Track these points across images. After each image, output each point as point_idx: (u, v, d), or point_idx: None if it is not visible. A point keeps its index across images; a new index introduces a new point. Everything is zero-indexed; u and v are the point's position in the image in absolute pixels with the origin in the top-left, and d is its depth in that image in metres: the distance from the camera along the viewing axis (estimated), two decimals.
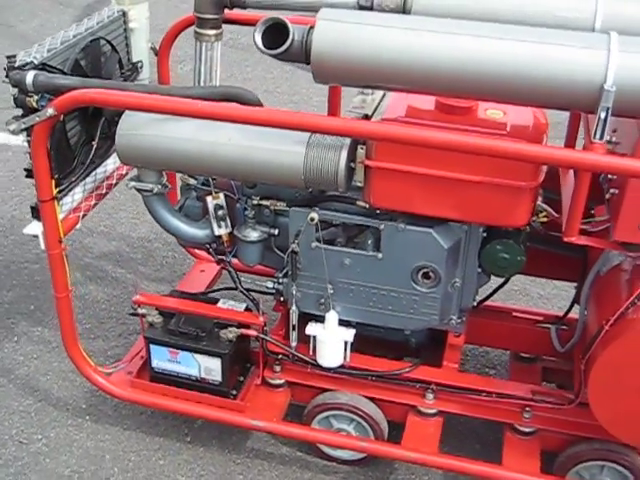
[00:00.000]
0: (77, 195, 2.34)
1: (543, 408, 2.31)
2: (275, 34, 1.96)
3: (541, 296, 3.20)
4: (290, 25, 1.93)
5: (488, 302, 2.70)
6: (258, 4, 2.31)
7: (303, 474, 2.46)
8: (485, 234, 2.19)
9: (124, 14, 2.46)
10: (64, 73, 2.15)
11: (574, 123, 2.43)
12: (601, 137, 1.80)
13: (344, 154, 2.05)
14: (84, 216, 2.31)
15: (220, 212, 2.33)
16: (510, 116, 2.07)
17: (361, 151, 2.05)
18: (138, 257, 3.34)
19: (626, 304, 2.04)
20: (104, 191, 2.42)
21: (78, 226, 2.31)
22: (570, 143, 2.46)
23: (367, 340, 2.46)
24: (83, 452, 2.49)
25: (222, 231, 2.34)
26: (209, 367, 2.36)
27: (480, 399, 2.34)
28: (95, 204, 2.38)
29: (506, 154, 1.81)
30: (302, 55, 1.95)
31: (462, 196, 2.03)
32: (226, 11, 2.34)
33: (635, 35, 1.88)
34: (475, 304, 2.58)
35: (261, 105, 2.15)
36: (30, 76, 2.03)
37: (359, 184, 2.11)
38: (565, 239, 2.01)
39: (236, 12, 2.36)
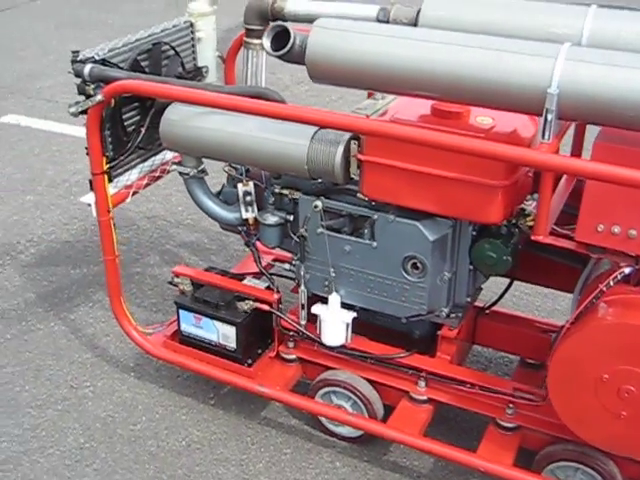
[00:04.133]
0: (133, 175, 2.74)
1: (525, 406, 2.42)
2: (281, 39, 2.27)
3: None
4: (292, 31, 2.23)
5: (505, 309, 2.86)
6: (295, 17, 2.62)
7: (304, 444, 2.69)
8: (475, 232, 2.37)
9: (191, 24, 2.86)
10: (122, 69, 2.56)
11: (579, 133, 2.54)
12: (547, 137, 1.97)
13: (341, 148, 2.30)
14: (134, 193, 2.70)
15: (248, 198, 2.63)
16: (497, 123, 2.25)
17: (354, 146, 2.30)
18: (213, 248, 3.73)
19: (584, 303, 2.15)
20: (157, 174, 2.80)
21: (128, 200, 2.70)
22: (576, 152, 2.56)
23: (378, 330, 2.69)
24: (121, 401, 2.86)
25: (248, 215, 2.64)
26: (226, 334, 2.66)
27: (467, 391, 2.48)
28: (147, 184, 2.76)
29: (459, 148, 2.01)
30: (301, 57, 2.24)
31: (440, 191, 2.21)
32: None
33: (621, 49, 2.04)
34: (483, 307, 2.76)
35: (283, 102, 2.45)
36: (87, 68, 2.44)
37: (356, 177, 2.36)
38: (533, 237, 2.15)
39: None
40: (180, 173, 2.66)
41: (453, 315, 2.51)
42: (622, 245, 2.04)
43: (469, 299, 2.50)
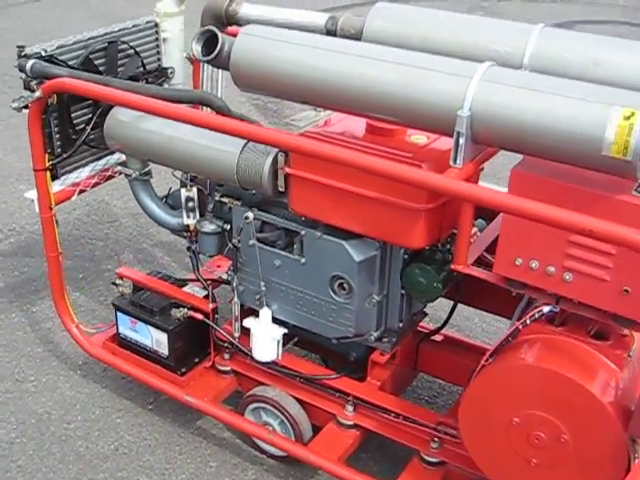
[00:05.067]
0: (84, 173, 2.70)
1: (450, 442, 2.31)
2: (213, 44, 2.20)
3: None
4: (221, 36, 2.16)
5: (456, 335, 2.75)
6: (248, 21, 2.54)
7: (232, 458, 2.63)
8: (407, 256, 2.27)
9: (156, 25, 2.82)
10: (70, 67, 2.52)
11: None
12: (459, 162, 1.86)
13: (269, 160, 2.23)
14: (82, 191, 2.67)
15: (190, 204, 2.57)
16: (431, 142, 2.14)
17: (281, 158, 2.22)
18: None
19: (500, 341, 2.03)
20: (109, 174, 2.76)
21: (73, 198, 2.67)
22: None
23: (320, 348, 2.62)
24: (60, 398, 2.84)
25: (189, 221, 2.59)
26: (159, 340, 2.61)
27: (393, 420, 2.38)
28: (96, 183, 2.72)
29: (364, 167, 1.91)
30: (227, 63, 2.17)
31: (363, 211, 2.12)
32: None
33: (560, 74, 1.93)
34: (427, 332, 2.66)
35: (229, 111, 2.38)
36: (29, 64, 2.42)
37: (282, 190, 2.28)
38: (453, 267, 2.04)
39: (235, 29, 2.62)
40: (125, 174, 2.63)
41: (386, 339, 2.41)
42: (540, 282, 1.91)
43: (401, 324, 2.39)
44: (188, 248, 2.68)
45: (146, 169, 2.62)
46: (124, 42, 2.70)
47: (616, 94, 1.72)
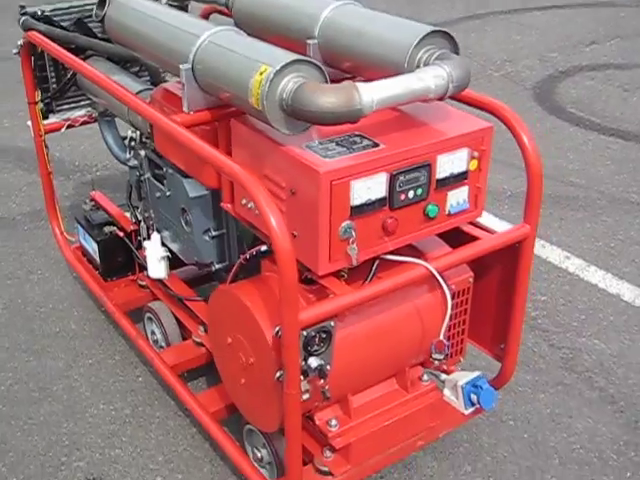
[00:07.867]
0: (78, 112, 3.39)
1: None
2: None
3: None
4: (108, 1, 2.69)
5: None
6: None
7: (132, 357, 3.16)
8: None
9: None
10: (62, 27, 3.17)
11: None
12: (187, 109, 2.20)
13: None
14: (70, 126, 3.35)
15: (132, 143, 3.12)
16: None
17: None
18: None
19: (232, 274, 2.33)
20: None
21: (62, 130, 3.35)
22: None
23: None
24: (48, 290, 3.59)
25: (128, 156, 3.14)
26: (94, 249, 3.22)
27: None
28: (85, 122, 3.39)
29: (138, 110, 2.34)
30: None
31: (183, 152, 2.50)
32: None
33: (340, 42, 2.26)
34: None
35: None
36: (22, 20, 3.13)
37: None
38: (221, 204, 2.38)
39: None
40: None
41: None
42: (256, 221, 2.19)
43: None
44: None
45: (107, 112, 3.23)
46: None
47: (269, 53, 1.99)
